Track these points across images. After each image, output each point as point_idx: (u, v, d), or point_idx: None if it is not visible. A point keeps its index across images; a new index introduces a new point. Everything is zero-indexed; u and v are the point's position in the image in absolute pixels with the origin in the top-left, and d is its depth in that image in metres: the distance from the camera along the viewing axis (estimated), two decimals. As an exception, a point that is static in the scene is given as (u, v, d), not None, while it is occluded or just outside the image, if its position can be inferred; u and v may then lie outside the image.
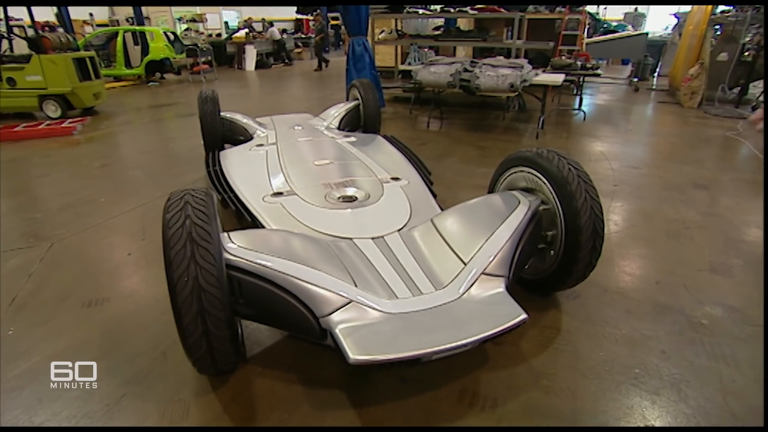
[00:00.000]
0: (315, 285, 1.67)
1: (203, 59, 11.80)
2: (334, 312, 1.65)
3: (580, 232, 2.02)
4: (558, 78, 6.04)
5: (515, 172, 2.36)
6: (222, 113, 4.18)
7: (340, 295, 1.68)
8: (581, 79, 7.30)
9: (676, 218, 3.49)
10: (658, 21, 18.14)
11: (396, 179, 2.84)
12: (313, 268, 1.73)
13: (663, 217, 3.51)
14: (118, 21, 13.36)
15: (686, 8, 8.44)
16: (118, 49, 10.86)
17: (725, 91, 7.25)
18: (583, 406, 1.82)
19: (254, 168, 3.16)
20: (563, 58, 7.36)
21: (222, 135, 4.11)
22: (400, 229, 2.26)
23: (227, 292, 1.61)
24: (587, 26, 10.79)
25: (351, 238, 2.15)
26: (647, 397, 1.86)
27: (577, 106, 7.42)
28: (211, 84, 10.68)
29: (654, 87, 9.56)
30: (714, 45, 7.37)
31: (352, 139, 3.75)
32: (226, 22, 16.44)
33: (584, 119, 6.94)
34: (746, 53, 7.06)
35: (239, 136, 4.15)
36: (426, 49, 8.97)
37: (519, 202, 2.12)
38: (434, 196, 2.78)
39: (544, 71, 6.63)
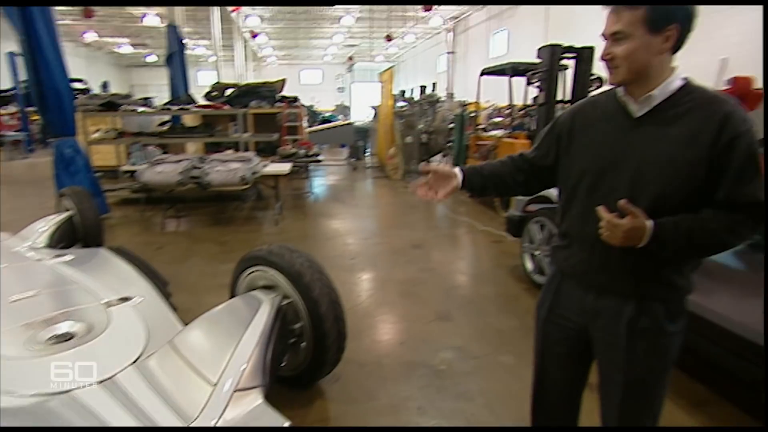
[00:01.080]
0: None
1: None
2: None
3: (323, 320, 2.08)
4: (285, 167, 6.47)
5: (253, 272, 2.30)
6: None
7: None
8: (308, 164, 8.03)
9: (405, 279, 4.03)
10: (360, 111, 21.93)
11: (126, 299, 2.42)
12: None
13: (395, 280, 4.01)
14: None
15: (378, 102, 10.46)
16: None
17: (416, 165, 9.12)
18: (362, 498, 1.79)
19: None
20: (289, 147, 7.99)
21: None
22: (136, 361, 1.89)
23: None
24: (306, 117, 12.15)
25: (68, 391, 1.68)
26: (415, 459, 1.97)
27: (308, 189, 8.07)
28: None
29: (367, 165, 11.30)
30: (402, 131, 9.27)
31: (68, 257, 3.06)
32: None
33: (316, 200, 7.57)
34: (423, 137, 9.12)
35: None
36: (152, 147, 8.35)
37: (261, 302, 2.05)
38: (174, 309, 2.47)
39: (273, 161, 7.01)
